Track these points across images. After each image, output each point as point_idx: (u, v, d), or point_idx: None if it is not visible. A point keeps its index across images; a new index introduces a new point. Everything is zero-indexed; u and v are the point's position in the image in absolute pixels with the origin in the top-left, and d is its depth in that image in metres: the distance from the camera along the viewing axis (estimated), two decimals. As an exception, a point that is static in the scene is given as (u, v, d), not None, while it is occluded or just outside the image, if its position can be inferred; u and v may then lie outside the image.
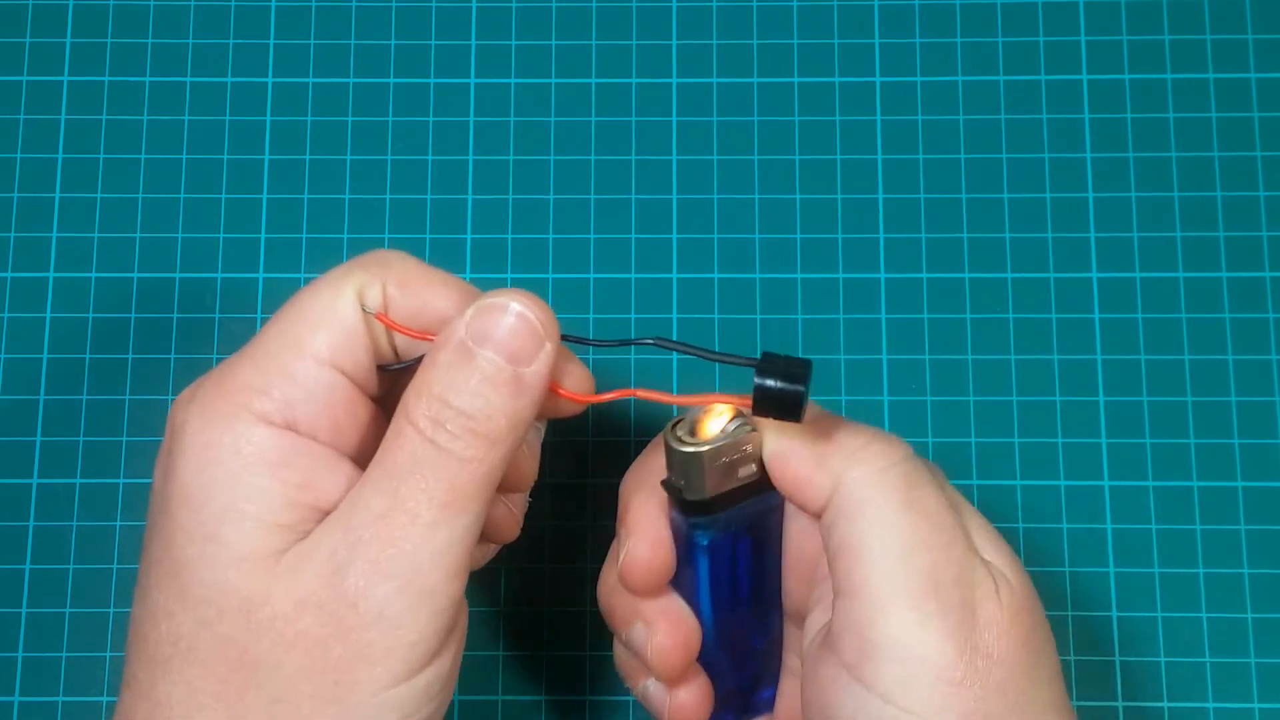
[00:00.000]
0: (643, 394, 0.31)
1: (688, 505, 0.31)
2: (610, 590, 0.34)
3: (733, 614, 0.33)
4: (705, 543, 0.32)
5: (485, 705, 0.41)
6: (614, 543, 0.34)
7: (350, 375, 0.30)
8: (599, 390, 0.32)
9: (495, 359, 0.29)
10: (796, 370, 0.29)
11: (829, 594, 0.31)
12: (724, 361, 0.30)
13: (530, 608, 0.42)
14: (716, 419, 0.31)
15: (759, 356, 0.30)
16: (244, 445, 0.29)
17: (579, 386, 0.32)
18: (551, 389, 0.30)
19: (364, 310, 0.30)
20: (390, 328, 0.31)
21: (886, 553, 0.29)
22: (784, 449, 0.31)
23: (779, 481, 0.31)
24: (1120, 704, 0.41)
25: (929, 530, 0.29)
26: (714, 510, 0.31)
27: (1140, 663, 0.41)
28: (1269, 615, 0.41)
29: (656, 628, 0.33)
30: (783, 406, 0.29)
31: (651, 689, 0.34)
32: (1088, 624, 0.42)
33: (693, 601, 0.33)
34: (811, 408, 0.30)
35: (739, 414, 0.31)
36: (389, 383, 0.32)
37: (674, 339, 0.30)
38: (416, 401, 0.29)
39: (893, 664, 0.28)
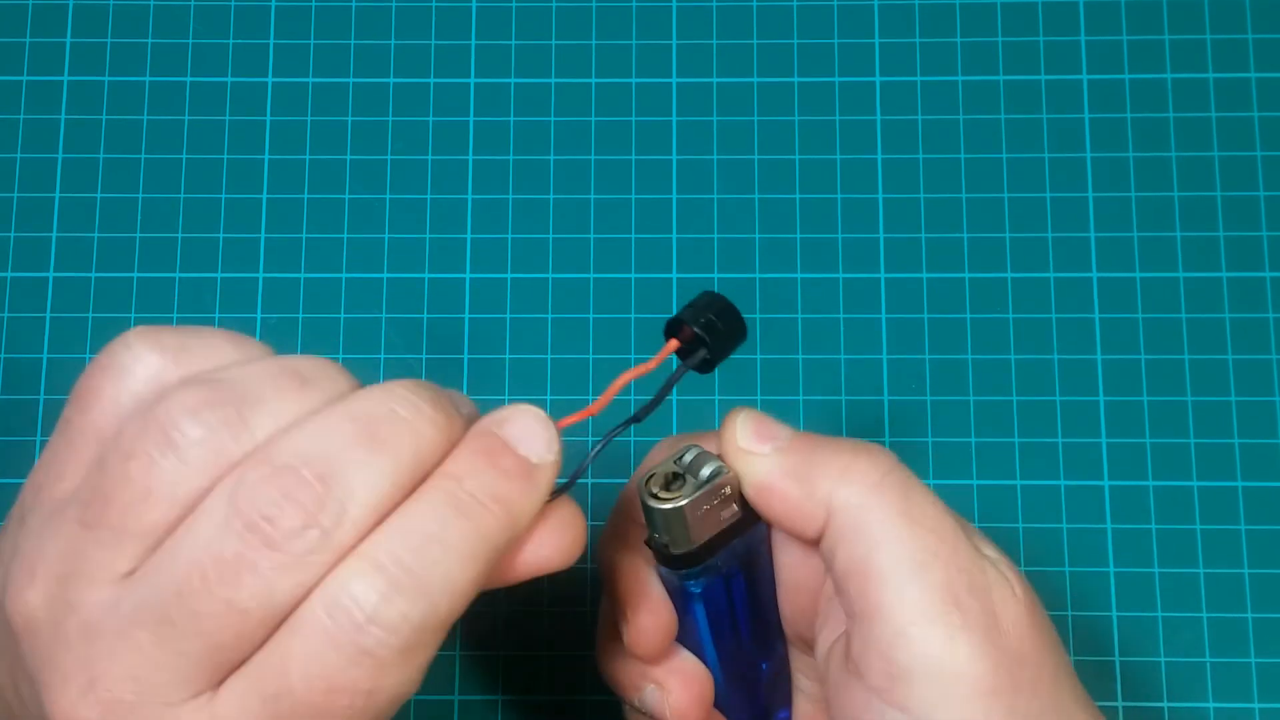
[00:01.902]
0: (567, 420, 0.28)
1: (675, 559, 0.30)
2: (614, 660, 0.33)
3: (738, 652, 0.33)
4: (699, 591, 0.31)
5: (486, 705, 0.41)
6: (602, 609, 0.33)
7: None
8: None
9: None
10: (708, 304, 0.29)
11: (835, 612, 0.30)
12: (673, 382, 0.29)
13: (530, 608, 0.42)
14: (679, 463, 0.30)
15: (665, 337, 0.29)
16: None
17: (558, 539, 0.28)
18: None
19: None
20: None
21: (898, 570, 0.28)
22: (766, 482, 0.30)
23: (768, 515, 0.30)
24: (1120, 704, 0.41)
25: (935, 540, 0.29)
26: (702, 559, 0.30)
27: (1140, 663, 0.41)
28: (1269, 615, 0.41)
29: (670, 687, 0.32)
30: (734, 331, 0.29)
31: None
32: (1088, 624, 0.42)
33: (697, 649, 0.33)
34: (783, 429, 0.30)
35: (710, 458, 0.30)
36: None
37: (627, 419, 0.29)
38: None
39: (926, 684, 0.28)
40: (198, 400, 0.24)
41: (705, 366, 0.30)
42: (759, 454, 0.30)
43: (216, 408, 0.24)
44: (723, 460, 0.30)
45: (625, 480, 0.42)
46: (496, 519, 0.25)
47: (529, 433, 0.26)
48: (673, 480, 0.30)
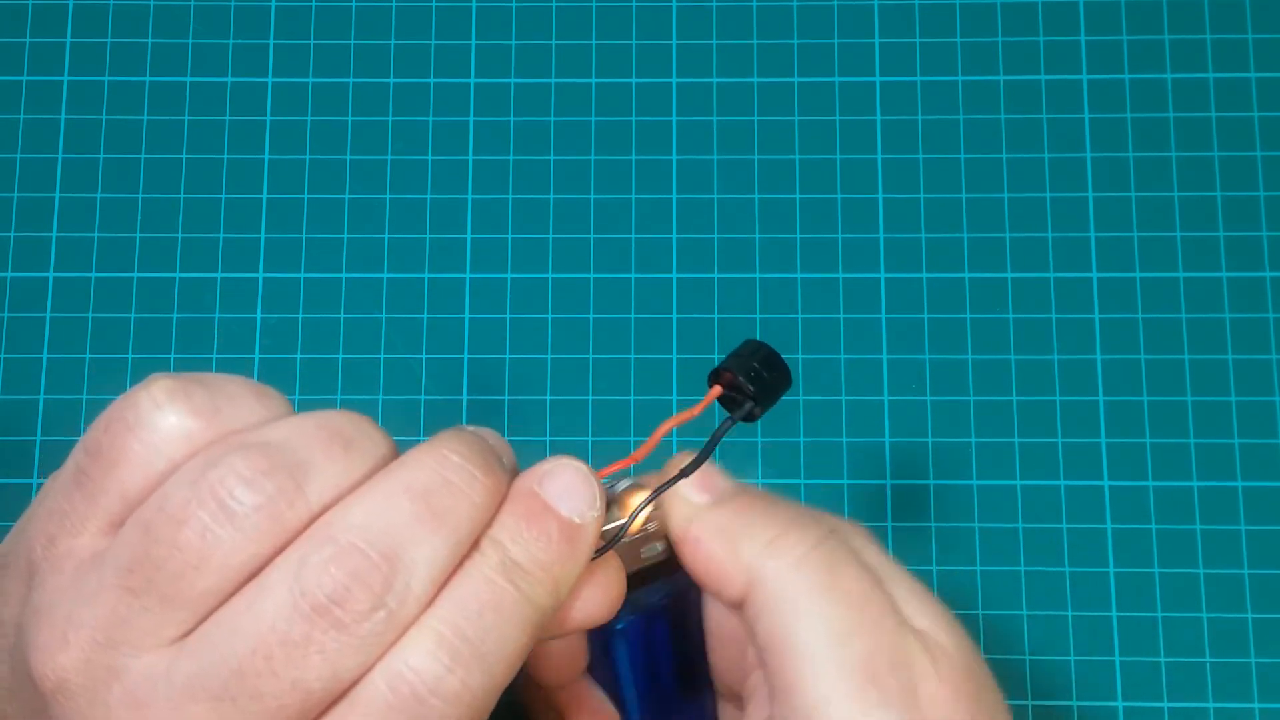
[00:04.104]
0: (610, 469, 0.28)
1: None
2: (521, 686, 0.32)
3: (661, 701, 0.32)
4: (620, 627, 0.30)
5: (485, 705, 0.41)
6: None
7: None
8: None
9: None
10: (753, 352, 0.29)
11: (764, 684, 0.29)
12: (721, 435, 0.29)
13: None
14: (612, 491, 0.29)
15: (709, 384, 0.29)
16: None
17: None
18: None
19: None
20: None
21: (816, 646, 0.28)
22: (691, 533, 0.29)
23: (689, 567, 0.30)
24: (1120, 704, 0.41)
25: (855, 615, 0.28)
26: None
27: (1139, 663, 0.41)
28: (1269, 615, 0.41)
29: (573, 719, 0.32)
30: (780, 382, 0.29)
31: None
32: (1088, 624, 0.42)
33: (615, 693, 0.32)
34: (727, 484, 0.29)
35: (643, 490, 0.29)
36: None
37: (681, 470, 0.29)
38: None
39: None
40: (251, 467, 0.24)
41: (750, 417, 0.30)
42: (692, 502, 0.29)
43: (271, 475, 0.24)
44: (658, 500, 0.29)
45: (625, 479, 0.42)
46: (544, 585, 0.25)
47: (572, 491, 0.26)
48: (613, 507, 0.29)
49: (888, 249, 0.44)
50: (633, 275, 0.44)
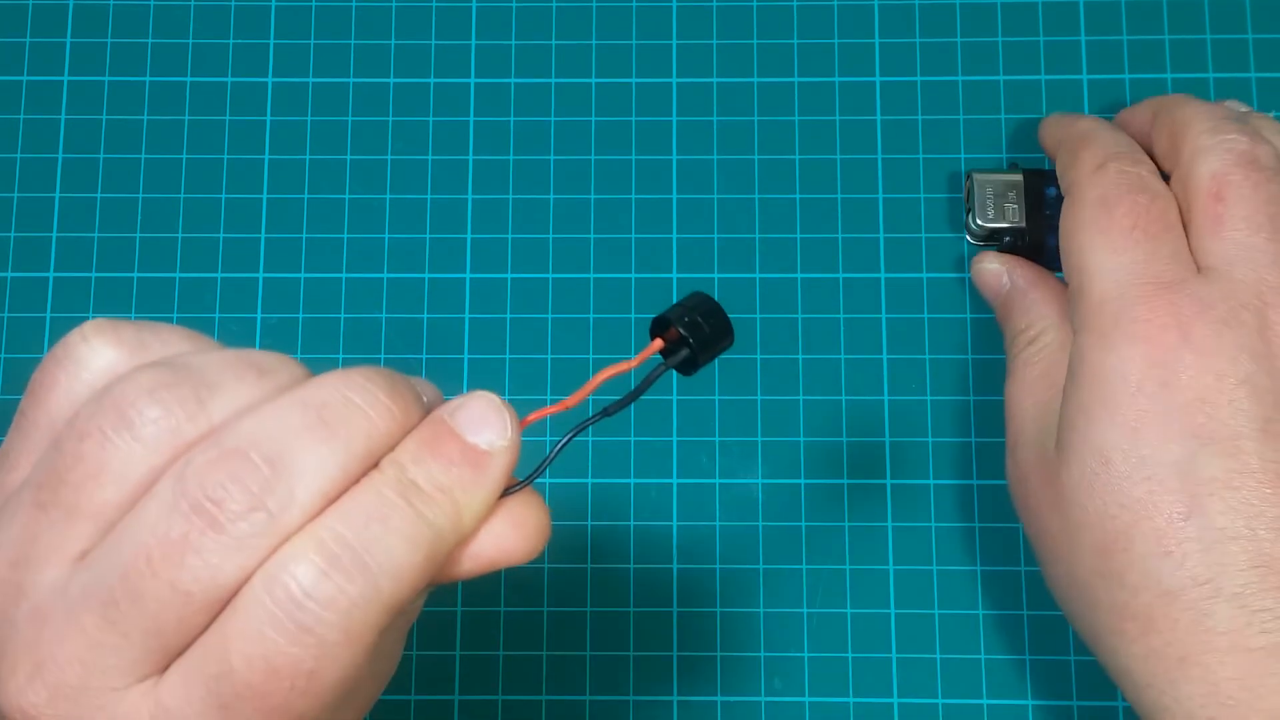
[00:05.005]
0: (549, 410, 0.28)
1: None
2: None
3: None
4: None
5: (486, 705, 0.41)
6: None
7: None
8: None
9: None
10: (696, 305, 0.29)
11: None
12: (652, 379, 0.28)
13: (530, 608, 0.42)
14: None
15: (650, 336, 0.29)
16: None
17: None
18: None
19: None
20: None
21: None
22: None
23: None
24: (1120, 704, 0.41)
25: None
26: None
27: (1140, 663, 0.41)
28: (1269, 615, 0.41)
29: None
30: (721, 334, 0.29)
31: None
32: (1088, 624, 0.42)
33: None
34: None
35: None
36: None
37: (592, 416, 0.28)
38: None
39: None
40: (155, 381, 0.24)
41: (688, 368, 0.30)
42: None
43: (173, 388, 0.24)
44: None
45: (625, 479, 0.42)
46: (441, 507, 0.25)
47: (481, 419, 0.26)
48: None
49: (888, 249, 0.44)
50: (633, 275, 0.44)
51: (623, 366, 0.28)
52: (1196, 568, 0.32)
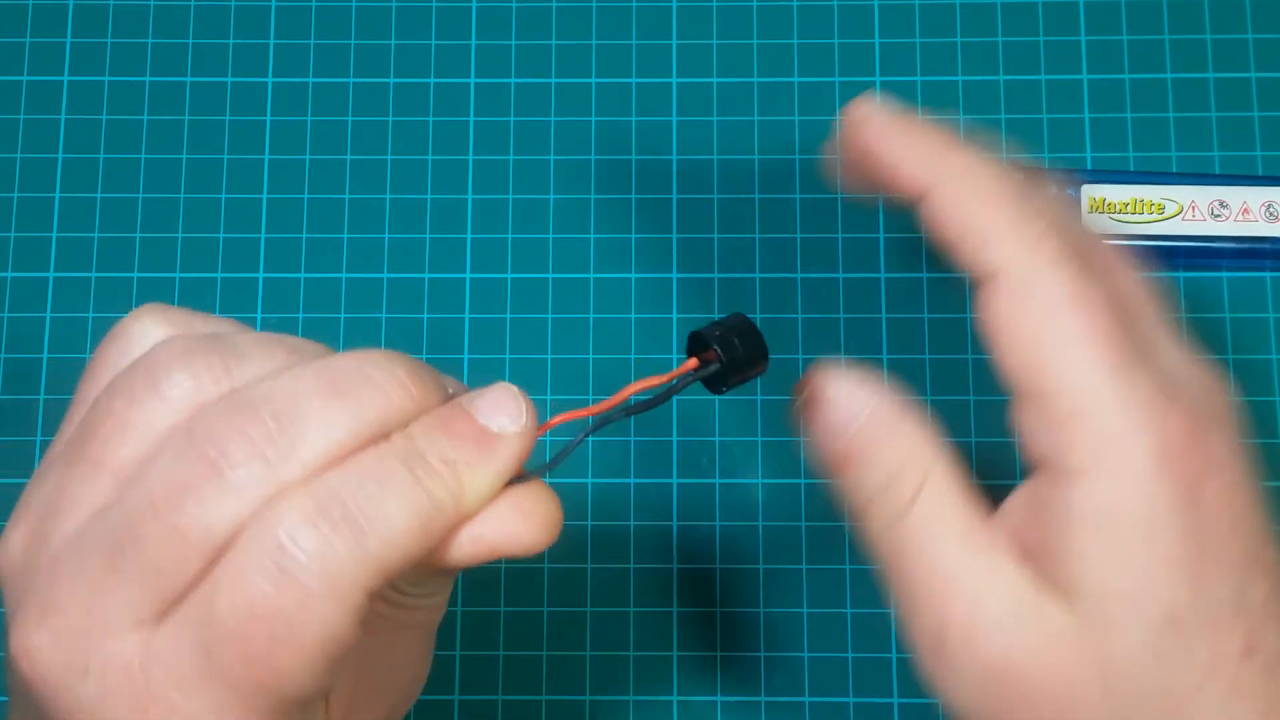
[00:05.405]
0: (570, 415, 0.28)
1: None
2: None
3: None
4: None
5: (485, 705, 0.41)
6: None
7: None
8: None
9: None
10: (736, 327, 0.29)
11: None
12: (680, 387, 0.29)
13: (530, 608, 0.42)
14: None
15: (688, 351, 0.29)
16: None
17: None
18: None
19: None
20: None
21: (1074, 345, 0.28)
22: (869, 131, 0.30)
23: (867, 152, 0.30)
24: (1120, 704, 0.41)
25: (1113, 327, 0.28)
26: None
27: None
28: (1269, 615, 0.41)
29: None
30: (753, 360, 0.29)
31: None
32: (1088, 624, 0.42)
33: None
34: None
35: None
36: None
37: (613, 412, 0.28)
38: None
39: None
40: (187, 350, 0.25)
41: (716, 384, 0.30)
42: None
43: (203, 357, 0.25)
44: None
45: (625, 479, 0.42)
46: (443, 480, 0.25)
47: (497, 405, 0.26)
48: None
49: (888, 249, 0.44)
50: (633, 275, 0.44)
51: (652, 381, 0.29)
52: (1258, 699, 0.27)
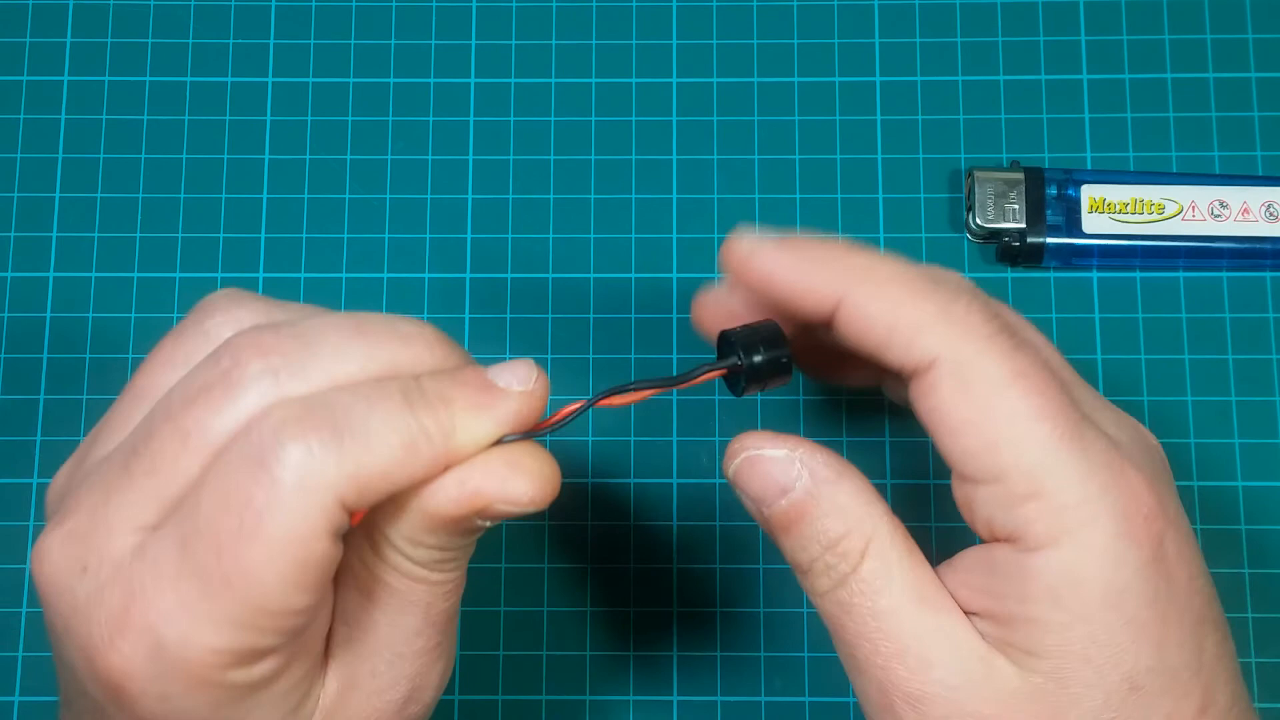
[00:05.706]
0: (613, 401, 0.29)
1: None
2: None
3: None
4: None
5: (485, 705, 0.41)
6: None
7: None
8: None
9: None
10: (767, 335, 0.29)
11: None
12: (699, 379, 0.29)
13: (530, 608, 0.42)
14: None
15: (718, 351, 0.30)
16: None
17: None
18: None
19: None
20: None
21: (1019, 423, 0.27)
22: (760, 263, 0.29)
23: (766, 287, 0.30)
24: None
25: (1049, 402, 0.27)
26: None
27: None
28: (1269, 615, 0.41)
29: None
30: (775, 370, 0.29)
31: None
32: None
33: None
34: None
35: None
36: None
37: (623, 384, 0.28)
38: None
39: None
40: (253, 318, 0.27)
41: (734, 384, 0.30)
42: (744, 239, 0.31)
43: (255, 320, 0.27)
44: None
45: (625, 479, 0.42)
46: (435, 414, 0.25)
47: (510, 369, 0.26)
48: None
49: (888, 249, 0.44)
50: (633, 275, 0.44)
51: (674, 385, 0.29)
52: None
